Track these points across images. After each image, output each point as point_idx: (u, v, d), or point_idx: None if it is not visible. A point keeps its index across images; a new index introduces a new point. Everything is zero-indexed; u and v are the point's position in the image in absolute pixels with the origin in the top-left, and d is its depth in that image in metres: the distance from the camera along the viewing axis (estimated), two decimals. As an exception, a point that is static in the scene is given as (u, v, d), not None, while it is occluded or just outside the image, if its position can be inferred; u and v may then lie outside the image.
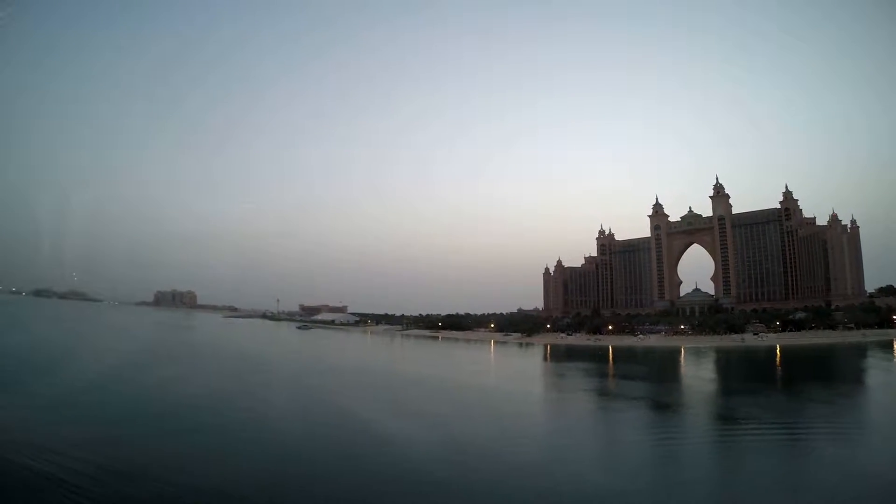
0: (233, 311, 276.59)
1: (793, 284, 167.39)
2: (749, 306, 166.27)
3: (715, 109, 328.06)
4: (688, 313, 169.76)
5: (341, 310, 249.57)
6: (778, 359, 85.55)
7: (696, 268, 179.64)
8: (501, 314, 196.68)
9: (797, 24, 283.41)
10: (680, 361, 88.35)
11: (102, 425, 25.43)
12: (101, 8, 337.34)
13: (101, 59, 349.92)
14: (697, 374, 70.86)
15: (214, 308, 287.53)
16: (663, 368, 78.67)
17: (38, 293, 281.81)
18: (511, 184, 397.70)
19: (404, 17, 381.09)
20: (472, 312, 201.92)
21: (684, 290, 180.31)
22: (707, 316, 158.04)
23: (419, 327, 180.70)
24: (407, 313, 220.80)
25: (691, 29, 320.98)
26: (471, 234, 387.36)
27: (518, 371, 74.46)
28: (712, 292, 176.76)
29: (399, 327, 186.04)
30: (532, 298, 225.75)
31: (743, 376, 67.07)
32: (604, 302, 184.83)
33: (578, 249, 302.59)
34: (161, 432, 24.52)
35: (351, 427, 29.12)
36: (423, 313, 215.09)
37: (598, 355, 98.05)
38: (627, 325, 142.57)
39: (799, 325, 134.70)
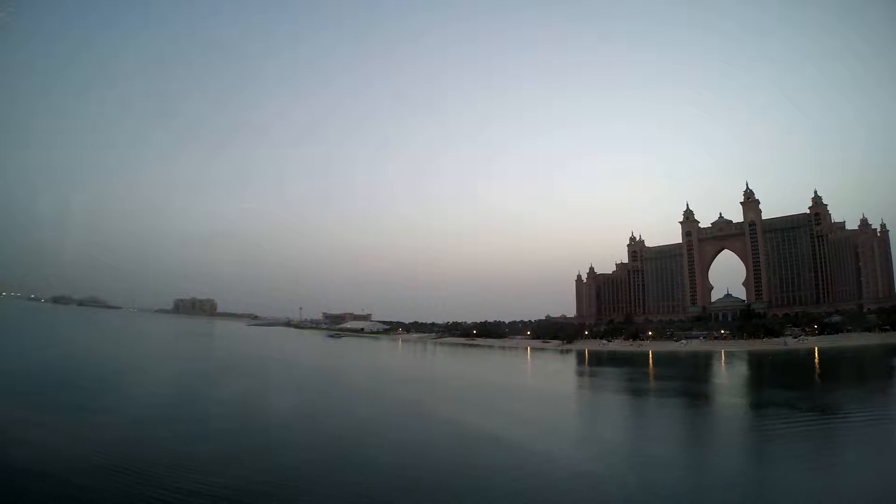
0: (254, 319, 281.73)
1: (823, 288, 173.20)
2: (781, 311, 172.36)
3: (741, 113, 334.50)
4: (720, 319, 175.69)
5: (365, 318, 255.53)
6: (822, 360, 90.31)
7: (727, 273, 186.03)
8: (529, 321, 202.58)
9: (826, 24, 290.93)
10: (738, 365, 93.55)
11: (234, 445, 24.31)
12: (101, 7, 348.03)
13: (101, 60, 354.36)
14: (762, 375, 76.56)
15: (234, 316, 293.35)
16: (728, 372, 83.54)
17: (57, 300, 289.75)
18: (534, 191, 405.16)
19: (424, 16, 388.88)
20: (500, 320, 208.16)
21: (715, 295, 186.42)
22: (741, 321, 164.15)
23: (452, 335, 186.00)
24: (430, 321, 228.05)
25: (719, 33, 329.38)
26: (492, 242, 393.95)
27: (588, 376, 79.21)
28: (743, 297, 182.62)
29: (432, 335, 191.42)
30: (558, 305, 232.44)
31: (802, 376, 71.80)
32: (636, 308, 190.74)
33: (604, 256, 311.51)
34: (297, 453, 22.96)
35: (487, 442, 27.37)
36: (450, 321, 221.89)
37: (651, 361, 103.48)
38: (667, 331, 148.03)
39: (836, 328, 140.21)
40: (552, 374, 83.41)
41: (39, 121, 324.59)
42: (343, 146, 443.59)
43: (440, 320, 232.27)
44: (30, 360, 48.04)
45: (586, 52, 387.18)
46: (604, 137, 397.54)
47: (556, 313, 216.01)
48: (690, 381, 68.24)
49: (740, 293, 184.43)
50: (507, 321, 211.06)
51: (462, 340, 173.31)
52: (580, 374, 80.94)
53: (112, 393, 36.34)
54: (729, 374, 79.36)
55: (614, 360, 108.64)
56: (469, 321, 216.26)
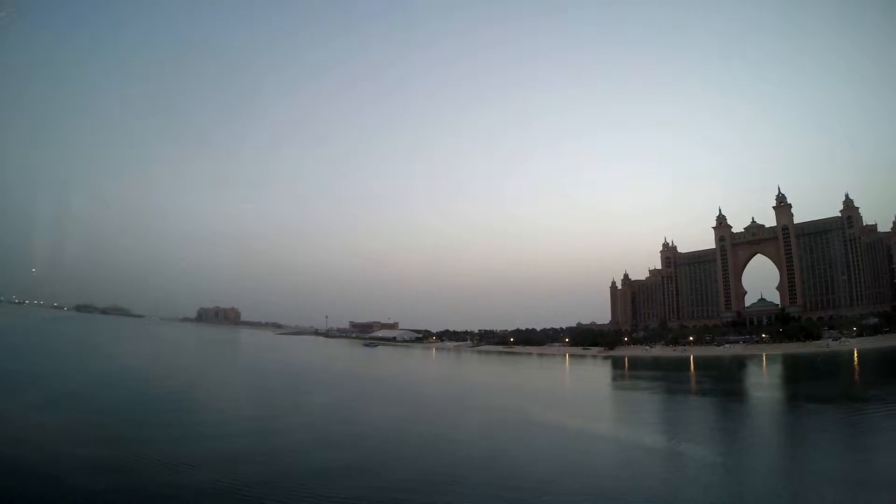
0: (278, 328, 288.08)
1: (857, 291, 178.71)
2: (815, 314, 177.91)
3: (768, 116, 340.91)
4: (754, 323, 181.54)
5: (392, 326, 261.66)
6: (871, 361, 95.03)
7: (760, 277, 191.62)
8: (561, 329, 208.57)
9: (856, 22, 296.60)
10: (792, 367, 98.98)
11: (376, 452, 24.34)
12: (104, 7, 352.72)
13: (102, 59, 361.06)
14: (820, 374, 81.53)
15: (258, 325, 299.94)
16: (784, 373, 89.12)
17: (80, 308, 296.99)
18: (560, 198, 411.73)
19: (443, 22, 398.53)
20: (531, 327, 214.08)
21: (749, 300, 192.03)
22: (777, 325, 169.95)
23: (488, 343, 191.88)
24: (455, 329, 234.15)
25: (742, 35, 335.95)
26: (517, 249, 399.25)
27: (655, 380, 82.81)
28: (777, 301, 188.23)
29: (468, 343, 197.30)
30: (588, 312, 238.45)
31: (859, 373, 76.74)
32: (670, 314, 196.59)
33: (632, 263, 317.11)
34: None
35: (610, 444, 28.37)
36: (478, 329, 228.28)
37: (701, 365, 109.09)
38: (706, 336, 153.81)
39: (874, 330, 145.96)
40: (619, 377, 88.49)
41: (35, 122, 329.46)
42: (366, 153, 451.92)
43: (466, 328, 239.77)
44: (101, 378, 45.10)
45: (609, 55, 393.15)
46: (625, 143, 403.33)
47: (585, 320, 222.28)
48: (761, 384, 74.08)
49: (773, 297, 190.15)
50: (537, 328, 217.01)
51: (500, 348, 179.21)
52: (644, 377, 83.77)
53: (204, 411, 33.29)
54: (793, 376, 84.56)
55: (662, 365, 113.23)
56: (498, 329, 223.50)
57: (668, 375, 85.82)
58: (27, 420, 25.59)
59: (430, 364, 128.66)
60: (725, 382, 73.68)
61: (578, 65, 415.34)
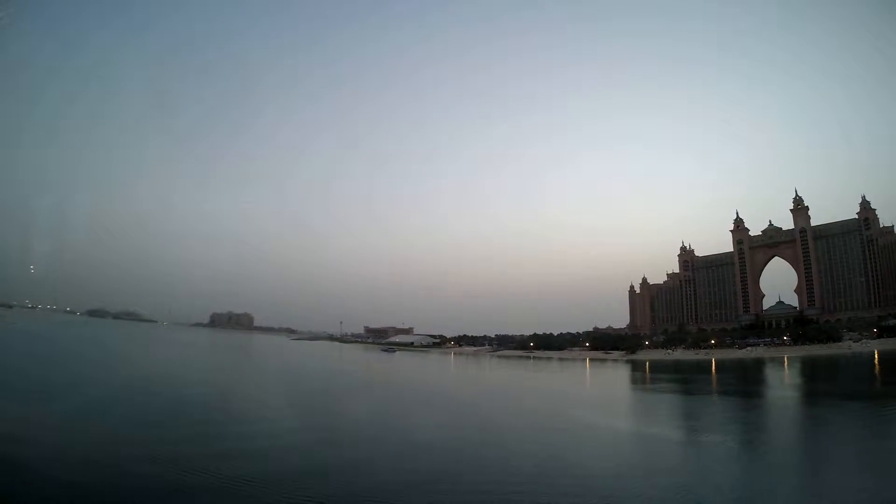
0: (292, 334, 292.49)
1: (875, 293, 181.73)
2: (833, 316, 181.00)
3: (784, 118, 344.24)
4: (773, 326, 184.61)
5: (407, 331, 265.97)
6: (889, 361, 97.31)
7: (777, 280, 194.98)
8: (577, 333, 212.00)
9: (873, 23, 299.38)
10: (818, 367, 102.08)
11: (451, 460, 24.16)
12: (101, 4, 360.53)
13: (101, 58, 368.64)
14: (848, 375, 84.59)
15: (271, 330, 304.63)
16: (813, 375, 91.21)
17: (93, 313, 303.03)
18: (573, 202, 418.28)
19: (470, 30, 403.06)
20: (548, 332, 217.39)
21: (766, 303, 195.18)
22: (796, 327, 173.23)
23: (507, 348, 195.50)
24: (469, 333, 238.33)
25: (763, 35, 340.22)
26: (531, 255, 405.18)
27: (689, 382, 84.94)
28: (795, 304, 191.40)
29: (488, 348, 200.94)
30: (604, 316, 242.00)
31: (885, 373, 78.70)
32: (688, 318, 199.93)
33: (647, 267, 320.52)
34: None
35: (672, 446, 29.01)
36: (494, 334, 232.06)
37: (726, 368, 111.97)
38: (726, 339, 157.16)
39: (893, 331, 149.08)
40: (647, 380, 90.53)
41: (66, 124, 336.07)
42: (385, 158, 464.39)
43: (480, 333, 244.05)
44: (133, 384, 43.56)
45: (632, 63, 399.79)
46: (640, 149, 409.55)
47: (601, 324, 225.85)
48: (789, 385, 76.14)
49: (791, 300, 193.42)
50: (553, 333, 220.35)
51: (519, 353, 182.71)
52: (673, 380, 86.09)
53: (251, 422, 31.75)
54: (823, 377, 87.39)
55: (686, 368, 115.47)
56: (513, 333, 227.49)
57: (696, 378, 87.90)
58: (72, 431, 24.41)
59: (454, 369, 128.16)
60: (758, 384, 75.88)
61: (603, 75, 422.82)
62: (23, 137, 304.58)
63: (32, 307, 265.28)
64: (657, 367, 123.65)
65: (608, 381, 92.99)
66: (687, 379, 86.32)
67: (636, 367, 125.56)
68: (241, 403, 40.20)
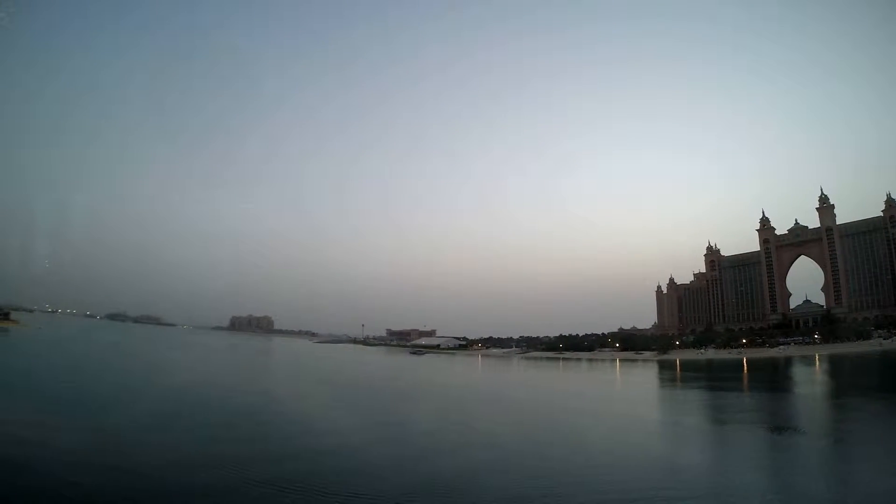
0: (313, 337, 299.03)
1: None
2: (860, 314, 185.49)
3: (807, 116, 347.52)
4: (801, 325, 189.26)
5: (430, 333, 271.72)
6: None
7: (804, 279, 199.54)
8: (603, 334, 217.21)
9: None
10: (852, 365, 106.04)
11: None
12: (104, 4, 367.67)
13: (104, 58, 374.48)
14: (892, 371, 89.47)
15: (291, 333, 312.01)
16: (849, 371, 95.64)
17: (113, 317, 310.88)
18: (593, 203, 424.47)
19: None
20: (573, 333, 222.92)
21: (793, 301, 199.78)
22: (823, 326, 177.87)
23: (536, 349, 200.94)
24: (499, 335, 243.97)
25: (787, 34, 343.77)
26: (551, 255, 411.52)
27: (739, 380, 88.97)
28: (822, 302, 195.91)
29: (516, 350, 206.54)
30: (627, 317, 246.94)
31: None
32: (715, 317, 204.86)
33: (672, 267, 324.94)
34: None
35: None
36: (517, 335, 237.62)
37: (761, 366, 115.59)
38: (757, 339, 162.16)
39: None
40: (687, 379, 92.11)
41: (71, 125, 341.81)
42: (405, 157, 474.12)
43: (501, 334, 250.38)
44: (184, 393, 43.80)
45: (647, 66, 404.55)
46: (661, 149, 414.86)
47: (625, 325, 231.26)
48: (841, 381, 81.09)
49: (818, 298, 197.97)
50: (577, 334, 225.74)
51: (549, 354, 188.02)
52: (714, 379, 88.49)
53: (314, 433, 30.15)
54: (866, 374, 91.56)
55: (722, 367, 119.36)
56: (537, 335, 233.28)
57: (738, 376, 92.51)
58: (149, 446, 23.64)
59: (490, 371, 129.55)
60: (809, 382, 78.64)
61: (629, 76, 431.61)
62: (27, 138, 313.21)
63: (52, 311, 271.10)
64: (694, 366, 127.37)
65: (650, 379, 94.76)
66: (731, 377, 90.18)
67: (672, 366, 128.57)
68: (293, 412, 38.71)
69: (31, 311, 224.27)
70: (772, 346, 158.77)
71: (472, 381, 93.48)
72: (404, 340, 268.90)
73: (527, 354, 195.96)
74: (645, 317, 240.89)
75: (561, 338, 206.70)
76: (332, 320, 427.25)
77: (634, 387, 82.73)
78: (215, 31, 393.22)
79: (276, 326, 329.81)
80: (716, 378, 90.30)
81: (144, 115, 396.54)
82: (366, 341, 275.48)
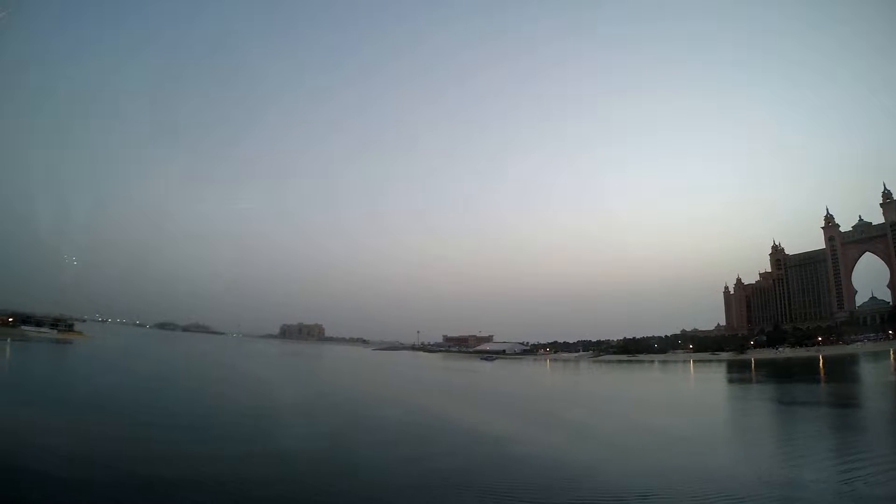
0: (364, 343, 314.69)
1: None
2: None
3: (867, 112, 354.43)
4: (867, 322, 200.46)
5: (488, 339, 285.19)
6: None
7: (868, 276, 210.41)
8: (665, 336, 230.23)
9: None
10: None
11: None
12: (106, 5, 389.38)
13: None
14: None
15: (343, 340, 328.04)
16: None
17: (162, 326, 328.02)
18: (641, 201, 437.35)
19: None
20: (631, 336, 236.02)
21: (859, 299, 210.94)
22: (889, 322, 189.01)
23: (605, 353, 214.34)
24: (560, 339, 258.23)
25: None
26: (594, 257, 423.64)
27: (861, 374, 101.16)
28: (887, 299, 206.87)
29: (588, 354, 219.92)
30: (684, 318, 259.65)
31: None
32: (782, 316, 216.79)
33: (736, 266, 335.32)
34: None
35: None
36: (578, 339, 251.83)
37: (853, 361, 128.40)
38: (830, 336, 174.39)
39: None
40: (788, 377, 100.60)
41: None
42: (451, 161, 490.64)
43: (551, 338, 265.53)
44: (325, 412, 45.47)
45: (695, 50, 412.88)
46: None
47: (686, 326, 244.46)
48: None
49: (883, 295, 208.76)
50: (636, 336, 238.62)
51: (621, 357, 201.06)
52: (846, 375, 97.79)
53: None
54: None
55: (805, 365, 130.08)
56: (588, 339, 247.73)
57: (844, 372, 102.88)
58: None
59: (581, 375, 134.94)
60: None
61: (683, 69, 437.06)
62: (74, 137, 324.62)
63: (102, 321, 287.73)
64: (781, 365, 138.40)
65: (752, 379, 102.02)
66: (844, 374, 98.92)
67: (761, 366, 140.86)
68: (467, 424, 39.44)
69: (82, 321, 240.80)
70: (846, 343, 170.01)
71: (587, 384, 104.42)
72: (462, 347, 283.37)
73: (598, 358, 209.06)
74: (704, 318, 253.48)
75: (631, 340, 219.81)
76: (383, 327, 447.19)
77: (746, 385, 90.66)
78: (216, 32, 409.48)
79: (328, 334, 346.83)
80: (829, 375, 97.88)
81: (167, 117, 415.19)
82: (425, 347, 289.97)
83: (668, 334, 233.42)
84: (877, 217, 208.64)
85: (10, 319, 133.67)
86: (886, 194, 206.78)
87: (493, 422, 41.15)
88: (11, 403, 36.33)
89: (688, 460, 27.99)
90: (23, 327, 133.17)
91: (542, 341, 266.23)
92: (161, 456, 23.78)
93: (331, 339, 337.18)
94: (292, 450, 27.48)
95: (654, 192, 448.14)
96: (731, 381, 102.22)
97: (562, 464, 26.30)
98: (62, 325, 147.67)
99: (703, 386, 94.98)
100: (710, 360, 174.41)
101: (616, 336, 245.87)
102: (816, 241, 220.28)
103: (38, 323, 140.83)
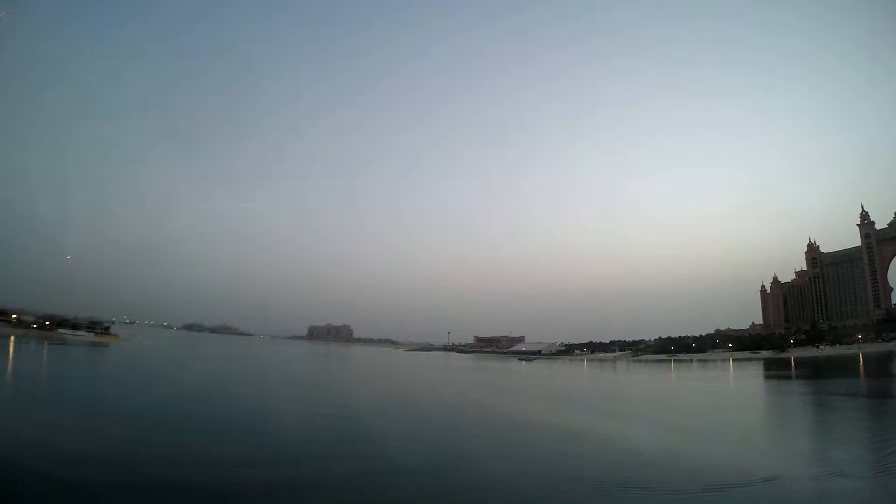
0: (393, 345, 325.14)
1: None
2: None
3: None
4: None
5: (520, 339, 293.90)
6: None
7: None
8: (700, 336, 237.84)
9: None
10: None
11: None
12: (105, 5, 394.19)
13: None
14: None
15: (371, 341, 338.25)
16: None
17: (190, 327, 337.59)
18: (671, 202, 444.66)
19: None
20: (667, 336, 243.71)
21: (894, 297, 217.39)
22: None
23: (644, 352, 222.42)
24: (595, 339, 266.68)
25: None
26: (621, 257, 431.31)
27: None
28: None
29: (627, 353, 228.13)
30: (718, 317, 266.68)
31: None
32: (818, 314, 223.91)
33: (769, 265, 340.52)
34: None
35: None
36: (609, 339, 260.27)
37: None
38: (870, 334, 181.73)
39: None
40: (840, 374, 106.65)
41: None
42: (477, 162, 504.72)
43: (582, 338, 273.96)
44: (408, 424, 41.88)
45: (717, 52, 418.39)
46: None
47: (720, 325, 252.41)
48: None
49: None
50: (671, 336, 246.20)
51: (660, 356, 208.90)
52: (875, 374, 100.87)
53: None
54: None
55: (847, 363, 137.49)
56: (632, 339, 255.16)
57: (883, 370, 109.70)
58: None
59: (631, 375, 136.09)
60: None
61: (711, 70, 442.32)
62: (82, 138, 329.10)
63: (130, 322, 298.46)
64: (817, 363, 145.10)
65: (808, 376, 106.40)
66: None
67: (804, 364, 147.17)
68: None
69: (112, 323, 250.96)
70: (885, 341, 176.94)
71: (647, 382, 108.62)
72: (494, 347, 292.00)
73: (637, 358, 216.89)
74: (737, 317, 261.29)
75: (669, 340, 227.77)
76: (411, 328, 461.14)
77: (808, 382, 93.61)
78: (218, 33, 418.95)
79: (356, 335, 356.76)
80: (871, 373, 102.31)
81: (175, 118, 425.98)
82: (457, 348, 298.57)
83: (703, 333, 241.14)
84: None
85: (48, 323, 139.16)
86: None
87: (593, 422, 43.44)
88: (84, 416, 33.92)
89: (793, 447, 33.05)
90: (59, 330, 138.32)
91: (572, 341, 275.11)
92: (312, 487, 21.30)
93: (359, 341, 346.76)
94: (415, 466, 25.22)
95: (679, 192, 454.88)
96: (782, 377, 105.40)
97: (675, 455, 28.81)
98: (98, 327, 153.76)
99: (759, 383, 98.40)
100: (750, 359, 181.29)
101: (649, 336, 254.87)
102: (846, 240, 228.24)
103: (74, 326, 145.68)
